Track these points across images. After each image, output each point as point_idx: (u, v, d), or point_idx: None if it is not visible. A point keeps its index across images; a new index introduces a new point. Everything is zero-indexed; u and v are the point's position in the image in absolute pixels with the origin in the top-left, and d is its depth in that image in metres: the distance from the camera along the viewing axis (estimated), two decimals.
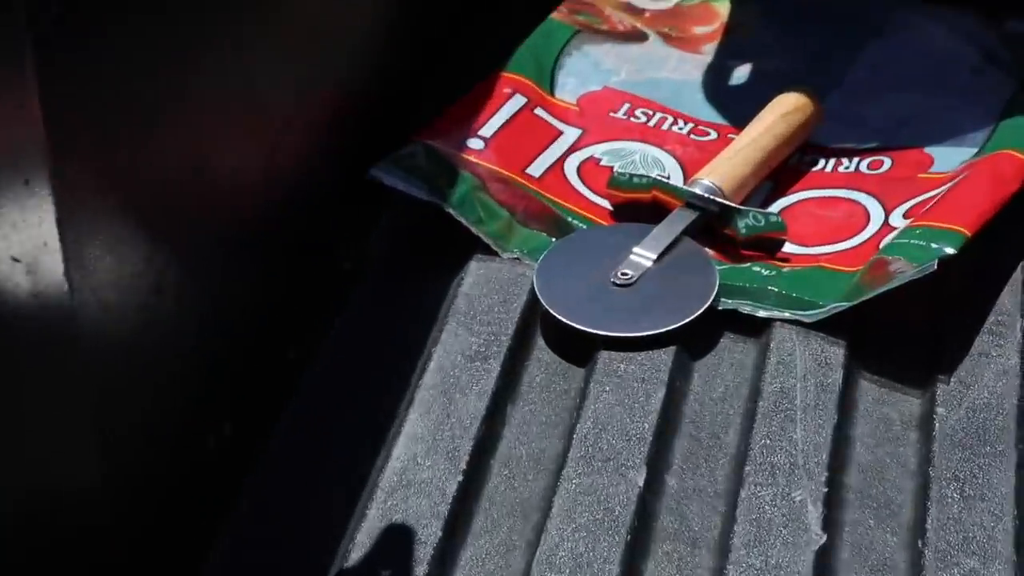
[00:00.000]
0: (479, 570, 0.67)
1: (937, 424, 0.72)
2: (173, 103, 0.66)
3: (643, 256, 0.80)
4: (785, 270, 0.80)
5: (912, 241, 0.77)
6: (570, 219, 0.85)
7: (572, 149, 0.89)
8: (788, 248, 0.82)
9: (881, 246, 0.79)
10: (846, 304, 0.76)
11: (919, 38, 0.97)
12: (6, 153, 0.54)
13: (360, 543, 0.67)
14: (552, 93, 0.93)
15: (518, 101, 0.91)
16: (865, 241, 0.82)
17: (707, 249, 0.82)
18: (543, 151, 0.89)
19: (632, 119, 0.92)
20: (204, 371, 0.72)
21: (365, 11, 0.90)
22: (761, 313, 0.77)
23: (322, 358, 0.78)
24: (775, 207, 0.86)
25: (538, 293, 0.79)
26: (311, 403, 0.75)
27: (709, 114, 0.93)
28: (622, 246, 0.80)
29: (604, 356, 0.76)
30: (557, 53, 0.96)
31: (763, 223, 0.82)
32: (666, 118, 0.92)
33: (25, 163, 0.55)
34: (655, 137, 0.90)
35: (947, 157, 0.87)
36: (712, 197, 0.82)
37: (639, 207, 0.84)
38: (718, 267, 0.80)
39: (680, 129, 0.91)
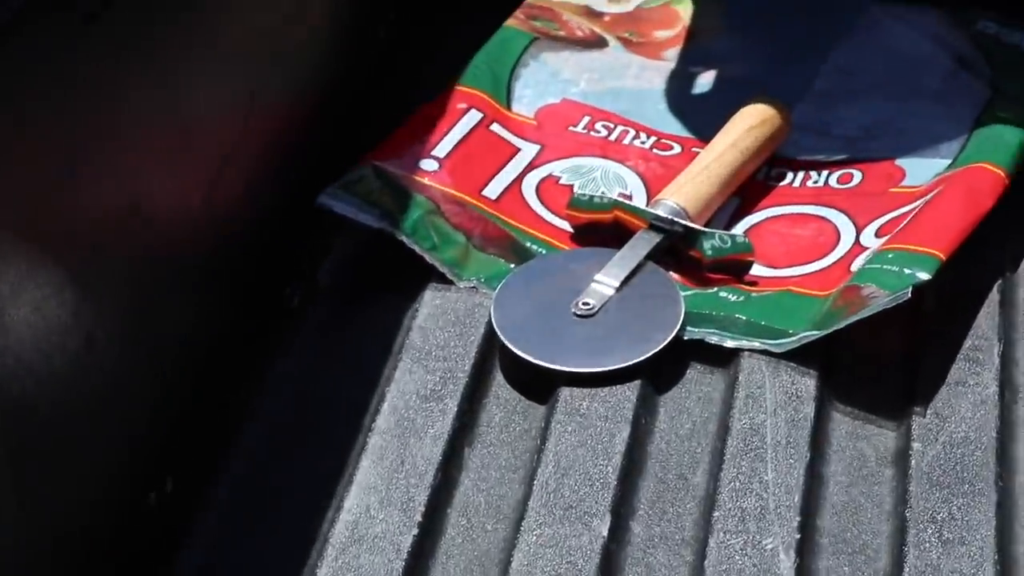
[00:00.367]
0: None
1: (913, 460, 0.70)
2: (98, 141, 0.63)
3: (605, 284, 0.78)
4: (753, 295, 0.78)
5: (885, 267, 0.75)
6: (528, 244, 0.82)
7: (530, 167, 0.87)
8: (756, 271, 0.80)
9: (853, 269, 0.78)
10: (818, 333, 0.74)
11: (889, 41, 0.96)
12: None
13: None
14: (509, 107, 0.91)
15: (473, 117, 0.89)
16: (836, 262, 0.80)
17: (672, 273, 0.80)
18: (500, 170, 0.87)
19: (592, 133, 0.90)
20: (142, 424, 0.69)
21: (307, 25, 0.86)
22: (729, 343, 0.75)
23: (268, 402, 0.75)
24: (742, 225, 0.84)
25: (495, 326, 0.76)
26: (256, 452, 0.73)
27: (672, 126, 0.91)
28: (583, 273, 0.78)
29: (566, 393, 0.74)
30: (514, 63, 0.94)
31: (729, 245, 0.79)
32: (628, 131, 0.90)
33: None
34: (616, 152, 0.88)
35: (919, 170, 0.85)
36: (676, 219, 0.80)
37: (601, 228, 0.82)
38: (684, 292, 0.78)
39: (642, 143, 0.89)
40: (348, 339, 0.79)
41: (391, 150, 0.86)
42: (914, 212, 0.80)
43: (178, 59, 0.70)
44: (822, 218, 0.84)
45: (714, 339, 0.75)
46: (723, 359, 0.76)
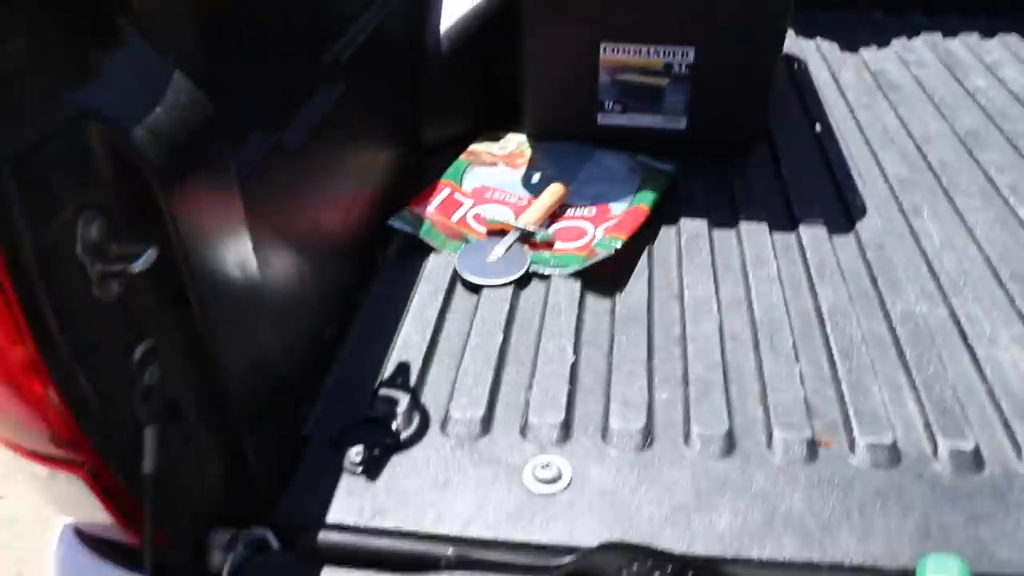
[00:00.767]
0: None
1: (614, 316, 1.92)
2: (302, 198, 1.80)
3: (499, 250, 1.98)
4: (557, 254, 1.99)
5: (604, 239, 1.96)
6: (469, 237, 2.02)
7: (469, 209, 2.08)
8: (558, 245, 2.00)
9: (594, 244, 2.00)
10: (579, 267, 1.93)
11: (605, 162, 2.20)
12: None
13: None
14: (461, 187, 2.12)
15: (446, 191, 2.10)
16: (587, 242, 2.00)
17: (525, 246, 1.99)
18: (456, 210, 2.07)
19: (495, 195, 2.11)
20: (326, 303, 1.83)
21: (381, 155, 2.07)
22: (546, 271, 1.95)
23: (368, 299, 1.94)
24: (551, 229, 2.04)
25: (457, 267, 1.94)
26: (364, 317, 1.93)
27: (524, 193, 2.13)
28: (491, 247, 1.98)
29: (485, 291, 1.90)
30: (463, 171, 2.15)
31: (546, 235, 2.01)
32: (508, 194, 2.11)
33: None
34: (503, 203, 2.09)
35: (617, 206, 2.06)
36: (526, 227, 2.02)
37: (498, 231, 2.02)
38: (529, 253, 1.99)
39: (512, 200, 2.10)
40: (399, 276, 1.95)
41: (416, 202, 2.04)
42: (616, 221, 1.99)
43: (333, 170, 1.86)
44: (580, 228, 2.03)
45: (542, 270, 1.95)
46: (544, 279, 1.93)
